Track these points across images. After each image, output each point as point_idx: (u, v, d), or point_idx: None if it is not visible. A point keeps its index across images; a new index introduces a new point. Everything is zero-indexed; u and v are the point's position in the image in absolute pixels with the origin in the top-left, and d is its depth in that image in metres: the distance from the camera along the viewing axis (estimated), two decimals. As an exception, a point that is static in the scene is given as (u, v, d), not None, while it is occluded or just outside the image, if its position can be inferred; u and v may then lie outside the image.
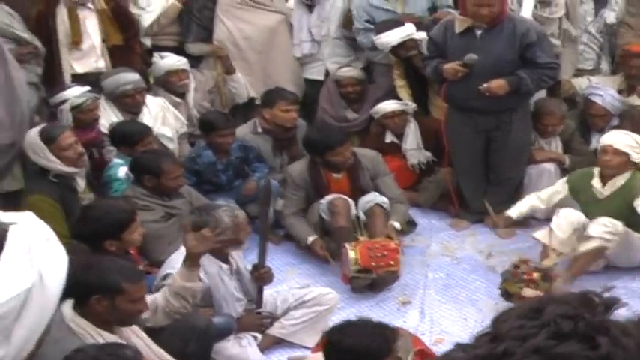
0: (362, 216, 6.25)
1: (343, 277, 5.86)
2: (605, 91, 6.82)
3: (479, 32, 6.25)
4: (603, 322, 1.22)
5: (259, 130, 6.90)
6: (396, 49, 6.94)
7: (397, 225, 6.23)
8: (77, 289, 3.64)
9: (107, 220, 4.67)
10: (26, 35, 6.58)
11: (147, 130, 6.35)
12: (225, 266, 4.92)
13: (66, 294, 3.63)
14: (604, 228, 5.65)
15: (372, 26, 7.17)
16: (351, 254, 5.69)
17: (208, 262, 4.79)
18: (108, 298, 3.71)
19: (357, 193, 6.36)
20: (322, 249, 6.11)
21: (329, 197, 6.22)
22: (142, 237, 4.88)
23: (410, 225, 6.72)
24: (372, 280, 5.78)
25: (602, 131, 6.71)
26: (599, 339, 1.18)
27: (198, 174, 6.54)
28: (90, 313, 3.70)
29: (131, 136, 6.25)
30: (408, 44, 6.90)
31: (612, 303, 1.27)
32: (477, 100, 6.29)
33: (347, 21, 7.51)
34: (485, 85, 6.15)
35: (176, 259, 4.72)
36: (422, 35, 6.86)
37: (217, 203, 5.13)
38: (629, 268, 5.96)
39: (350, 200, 6.22)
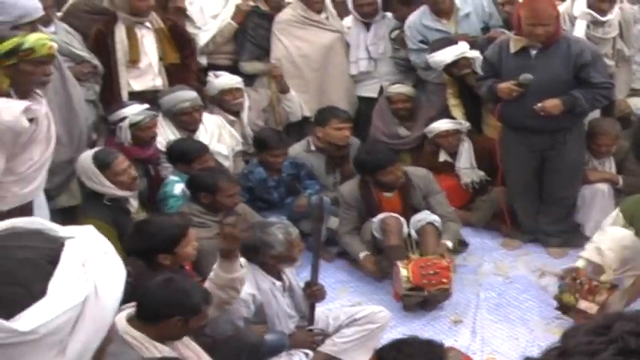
0: (414, 234, 6.26)
1: (395, 295, 5.90)
2: None
3: (533, 52, 6.23)
4: None
5: (312, 148, 6.98)
6: (450, 68, 6.96)
7: (449, 243, 6.22)
8: (158, 310, 3.76)
9: (160, 235, 4.70)
10: (85, 54, 6.68)
11: (204, 148, 6.42)
12: (278, 283, 4.95)
13: (143, 314, 3.75)
14: None
15: (425, 46, 7.20)
16: (403, 272, 5.71)
17: (261, 278, 4.85)
18: (185, 318, 3.80)
19: (408, 211, 6.38)
20: (373, 265, 6.15)
21: (381, 216, 6.23)
22: (196, 251, 4.90)
23: (462, 244, 6.71)
24: (423, 299, 5.80)
25: None
26: None
27: (250, 191, 6.59)
28: (160, 330, 3.77)
29: (188, 154, 6.32)
30: (461, 62, 6.91)
31: None
32: (532, 120, 6.26)
33: (399, 42, 7.53)
34: (539, 104, 6.13)
35: None
36: (475, 54, 6.89)
37: (271, 220, 5.14)
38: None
39: (402, 219, 6.24)
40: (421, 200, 6.43)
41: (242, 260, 4.67)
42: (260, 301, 4.82)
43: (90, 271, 1.49)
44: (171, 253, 4.69)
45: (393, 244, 6.12)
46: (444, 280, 5.75)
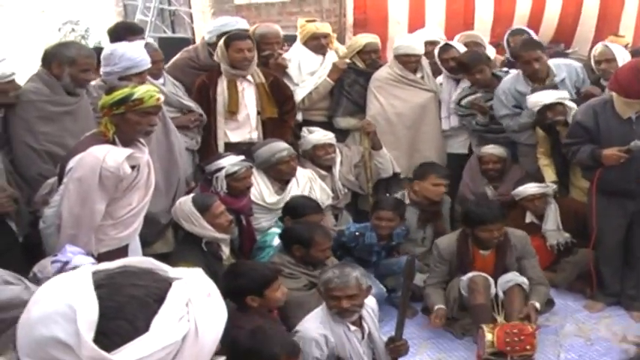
0: (501, 294, 6.21)
1: (478, 357, 5.86)
2: None
3: (634, 116, 6.16)
4: None
5: (407, 201, 6.96)
6: (545, 111, 6.92)
7: (538, 305, 6.15)
8: (240, 356, 3.86)
9: (252, 276, 4.82)
10: (192, 104, 6.90)
11: (316, 208, 6.51)
12: (353, 327, 4.94)
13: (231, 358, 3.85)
14: None
15: (519, 110, 7.24)
16: (488, 336, 5.68)
17: (335, 322, 4.87)
18: None
19: (500, 271, 6.35)
20: (439, 319, 6.12)
21: (470, 274, 6.22)
22: (284, 297, 4.98)
23: (548, 303, 6.64)
24: None
25: None
26: None
27: (347, 247, 6.59)
28: None
29: (301, 210, 6.41)
30: (557, 108, 6.91)
31: None
32: (633, 184, 6.21)
33: (476, 107, 7.57)
34: None
35: (308, 319, 4.92)
36: (572, 105, 6.90)
37: (352, 266, 5.13)
38: None
39: (490, 279, 6.21)
40: (514, 261, 6.40)
41: (328, 333, 4.80)
42: (333, 344, 4.84)
43: (192, 311, 1.55)
44: (260, 295, 4.79)
45: (478, 302, 6.09)
46: (528, 347, 5.68)
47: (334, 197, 7.29)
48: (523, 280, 6.23)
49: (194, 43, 9.02)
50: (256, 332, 4.06)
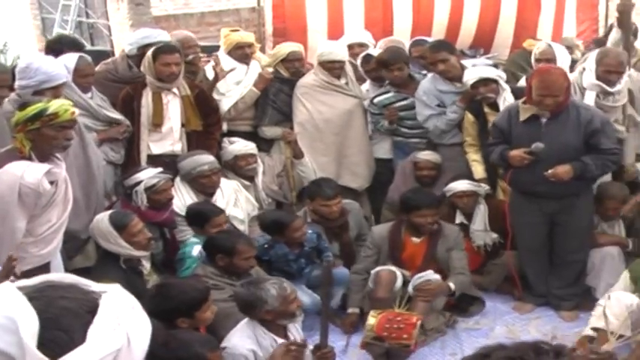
0: (411, 290, 6.23)
1: (362, 342, 5.91)
2: None
3: (544, 120, 6.22)
4: None
5: (309, 220, 6.86)
6: (479, 85, 7.00)
7: (452, 285, 6.28)
8: None
9: (182, 299, 4.71)
10: (119, 116, 6.82)
11: (218, 211, 6.41)
12: (280, 340, 4.88)
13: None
14: None
15: (443, 109, 7.30)
16: (370, 320, 5.78)
17: (262, 335, 4.83)
18: None
19: (429, 260, 6.44)
20: (344, 324, 6.27)
21: (379, 268, 6.32)
22: (213, 315, 4.90)
23: (478, 304, 6.73)
24: (385, 350, 5.82)
25: None
26: None
27: (267, 262, 6.48)
28: None
29: (203, 216, 6.33)
30: (491, 85, 7.00)
31: (561, 350, 1.41)
32: (542, 186, 6.25)
33: (390, 115, 7.57)
34: (550, 171, 6.12)
35: (233, 333, 4.87)
36: (506, 87, 7.09)
37: (266, 277, 5.19)
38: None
39: (398, 273, 6.31)
40: (444, 252, 6.47)
41: (255, 347, 4.76)
42: (262, 358, 4.78)
43: (123, 323, 1.56)
44: (191, 317, 4.71)
45: (378, 296, 6.18)
46: (405, 336, 5.71)
47: (259, 208, 7.22)
48: (435, 278, 6.26)
49: (113, 55, 8.92)
50: (169, 342, 3.95)
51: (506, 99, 7.00)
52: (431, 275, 6.26)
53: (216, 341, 4.33)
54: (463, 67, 7.35)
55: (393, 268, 6.37)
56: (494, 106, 6.99)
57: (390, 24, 10.06)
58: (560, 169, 6.10)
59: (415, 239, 6.50)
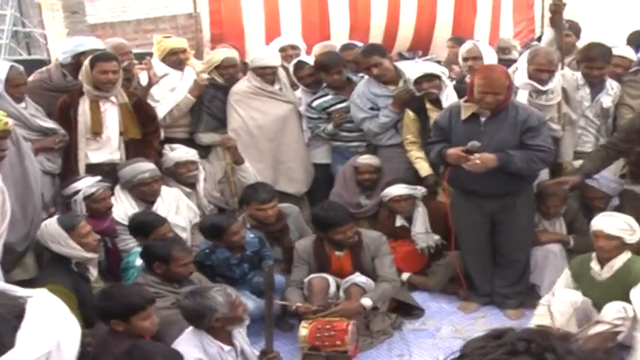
0: (342, 295, 6.29)
1: (302, 356, 5.92)
2: (600, 174, 6.74)
3: (483, 118, 6.26)
4: (552, 344, 1.44)
5: (248, 225, 6.82)
6: (422, 81, 7.03)
7: (367, 302, 6.19)
8: None
9: (119, 300, 4.70)
10: (54, 125, 6.73)
11: (161, 220, 6.36)
12: (227, 348, 4.87)
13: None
14: (616, 314, 5.54)
15: (377, 112, 7.31)
16: (302, 332, 5.80)
17: (208, 343, 4.80)
18: None
19: (356, 270, 6.42)
20: (304, 311, 6.12)
21: (311, 276, 6.35)
22: (154, 327, 4.83)
23: (416, 308, 6.73)
24: (324, 359, 5.82)
25: (603, 211, 6.60)
26: (547, 356, 1.41)
27: (210, 268, 6.44)
28: None
29: (146, 226, 6.27)
30: (434, 81, 7.04)
31: (567, 336, 1.56)
32: (480, 184, 6.28)
33: (339, 119, 7.57)
34: (477, 155, 6.13)
35: (179, 343, 4.80)
36: (448, 83, 7.19)
37: (209, 285, 5.16)
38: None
39: (330, 280, 6.34)
40: (370, 261, 6.46)
41: (202, 355, 4.71)
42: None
43: (52, 327, 1.57)
44: (126, 320, 4.65)
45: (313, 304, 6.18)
46: (338, 343, 5.73)
47: (201, 215, 7.15)
48: (361, 280, 6.29)
49: (50, 64, 8.75)
50: (132, 351, 3.91)
51: (448, 95, 7.06)
52: (357, 278, 6.30)
53: (179, 354, 4.30)
54: (398, 70, 7.40)
55: (325, 274, 6.39)
56: (437, 103, 7.04)
57: (327, 27, 10.10)
58: (485, 156, 6.12)
59: (338, 252, 6.50)
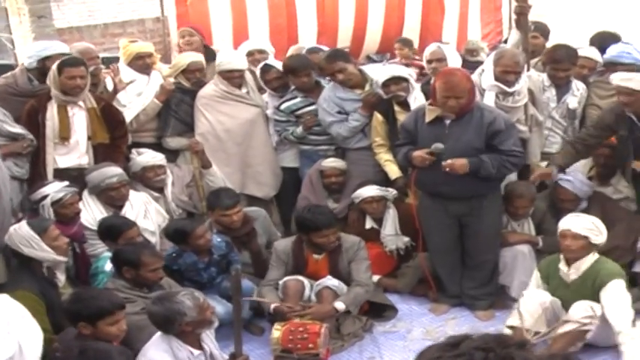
0: (313, 298, 6.31)
1: (273, 358, 5.94)
2: (574, 176, 6.83)
3: (448, 121, 6.29)
4: (510, 353, 1.40)
5: (214, 230, 6.78)
6: (390, 83, 7.05)
7: (340, 305, 6.20)
8: None
9: (87, 303, 4.68)
10: (22, 130, 6.72)
11: (129, 224, 6.33)
12: (196, 352, 4.86)
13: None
14: (584, 312, 5.62)
15: (344, 116, 7.31)
16: (275, 334, 5.82)
17: (178, 347, 4.78)
18: None
19: (333, 275, 6.43)
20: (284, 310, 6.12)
21: (286, 278, 6.35)
22: (122, 334, 4.83)
23: (389, 309, 6.73)
24: None
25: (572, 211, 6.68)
26: None
27: (178, 272, 6.40)
28: None
29: (114, 230, 6.24)
30: (402, 84, 7.06)
31: (525, 343, 1.47)
32: (446, 186, 6.33)
33: (308, 123, 7.55)
34: (449, 161, 6.17)
35: (148, 348, 4.79)
36: (416, 85, 7.22)
37: (176, 290, 5.16)
38: (607, 347, 5.77)
39: (306, 282, 6.34)
40: (346, 265, 6.47)
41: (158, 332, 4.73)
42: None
43: (13, 331, 1.53)
44: (93, 324, 4.64)
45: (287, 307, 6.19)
46: (312, 346, 5.75)
47: (170, 219, 7.10)
48: (333, 283, 6.30)
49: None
50: (86, 351, 3.89)
51: (416, 98, 7.08)
52: (329, 281, 6.31)
53: (131, 354, 4.33)
54: (363, 74, 7.42)
55: (301, 277, 6.40)
56: (405, 105, 7.06)
57: (294, 31, 10.09)
58: (457, 162, 6.16)
59: (316, 256, 6.51)
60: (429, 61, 7.82)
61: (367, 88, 7.34)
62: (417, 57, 9.92)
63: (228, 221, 6.72)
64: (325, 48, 8.58)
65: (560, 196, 6.82)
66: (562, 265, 5.87)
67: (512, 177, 6.98)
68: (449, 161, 6.15)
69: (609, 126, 6.69)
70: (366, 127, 7.34)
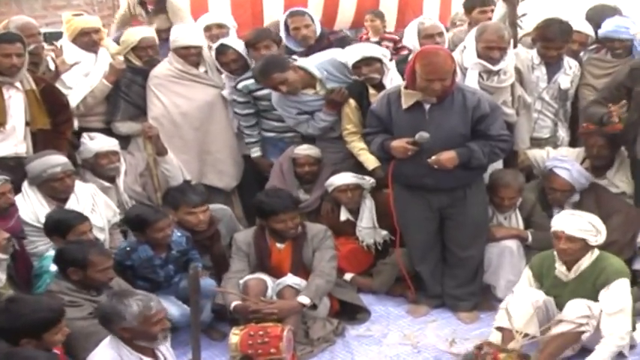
0: (275, 299, 6.29)
1: None
2: (572, 165, 6.83)
3: (427, 106, 6.24)
4: None
5: (177, 233, 6.69)
6: (361, 65, 7.01)
7: (304, 299, 6.16)
8: None
9: (30, 318, 4.63)
10: None
11: (79, 218, 6.24)
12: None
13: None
14: (580, 312, 5.59)
15: (307, 116, 7.30)
16: (233, 339, 5.81)
17: (128, 355, 4.74)
18: None
19: (297, 264, 6.45)
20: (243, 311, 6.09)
21: (247, 277, 6.33)
22: (64, 338, 4.81)
23: (361, 311, 6.73)
24: None
25: (562, 207, 6.78)
26: None
27: (131, 269, 6.38)
28: None
29: (62, 225, 6.15)
30: (375, 65, 7.02)
31: None
32: (429, 178, 6.32)
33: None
34: (434, 157, 6.16)
35: (95, 354, 4.77)
36: (391, 66, 7.16)
37: (136, 291, 5.05)
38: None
39: (269, 281, 6.35)
40: (311, 255, 6.49)
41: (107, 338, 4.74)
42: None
43: None
44: (38, 338, 4.61)
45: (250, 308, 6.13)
46: (273, 350, 5.73)
47: (121, 212, 7.02)
48: (294, 281, 6.30)
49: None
50: (11, 358, 3.84)
51: (393, 79, 7.06)
52: (290, 280, 6.31)
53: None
54: (309, 73, 7.24)
55: (263, 276, 6.41)
56: (380, 88, 6.99)
57: (259, 4, 9.95)
58: (444, 156, 6.15)
59: (279, 245, 6.52)
60: (427, 36, 7.38)
61: (318, 87, 7.25)
62: (388, 31, 9.90)
63: (194, 221, 6.71)
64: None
65: (552, 185, 6.83)
66: (559, 265, 5.82)
67: (498, 164, 6.95)
68: (434, 157, 6.14)
69: (622, 84, 6.71)
70: (336, 123, 7.31)
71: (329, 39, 8.13)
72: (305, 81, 7.23)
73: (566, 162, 6.82)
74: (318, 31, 8.09)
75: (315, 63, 7.31)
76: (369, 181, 7.11)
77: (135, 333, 4.70)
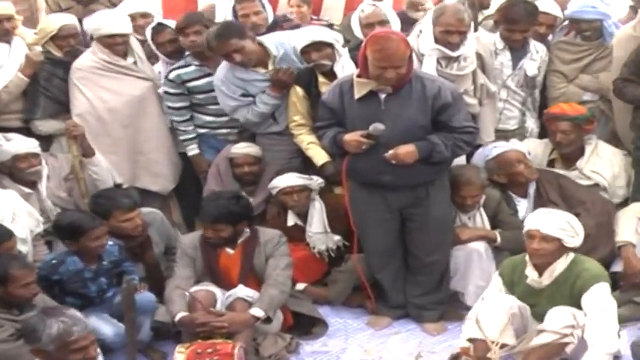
0: (223, 310, 6.19)
1: None
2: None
3: (383, 96, 6.18)
4: None
5: (110, 242, 6.59)
6: (310, 50, 6.91)
7: (258, 312, 6.09)
8: None
9: None
10: None
11: (6, 234, 6.05)
12: None
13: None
14: (565, 321, 5.49)
15: (250, 98, 7.21)
16: (178, 358, 5.68)
17: None
18: None
19: (246, 271, 6.39)
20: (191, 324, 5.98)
21: (195, 287, 6.24)
22: None
23: (322, 324, 6.66)
24: None
25: (525, 196, 6.85)
26: None
27: (59, 284, 6.22)
28: None
29: None
30: (325, 50, 6.92)
31: None
32: (386, 175, 6.24)
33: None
34: (391, 152, 6.08)
35: None
36: (344, 52, 7.04)
37: (68, 311, 4.86)
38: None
39: (218, 293, 6.26)
40: (264, 262, 6.42)
41: None
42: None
43: None
44: None
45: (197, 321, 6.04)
46: None
47: (45, 221, 6.87)
48: (246, 294, 6.23)
49: None
50: None
51: (345, 66, 6.97)
52: (241, 291, 6.22)
53: None
54: (265, 47, 7.22)
55: (212, 287, 6.33)
56: (331, 76, 6.95)
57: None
58: (402, 150, 6.07)
59: (229, 250, 6.46)
60: (367, 25, 7.46)
61: (270, 66, 7.20)
62: (314, 17, 9.81)
63: (131, 227, 6.60)
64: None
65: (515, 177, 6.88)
66: (530, 271, 5.74)
67: (461, 160, 6.90)
68: (391, 152, 6.07)
69: None
70: (277, 111, 7.25)
71: (282, 26, 8.04)
72: (259, 56, 7.17)
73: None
74: (270, 18, 8.00)
75: (272, 40, 7.28)
76: (316, 181, 7.06)
77: (48, 357, 4.62)
